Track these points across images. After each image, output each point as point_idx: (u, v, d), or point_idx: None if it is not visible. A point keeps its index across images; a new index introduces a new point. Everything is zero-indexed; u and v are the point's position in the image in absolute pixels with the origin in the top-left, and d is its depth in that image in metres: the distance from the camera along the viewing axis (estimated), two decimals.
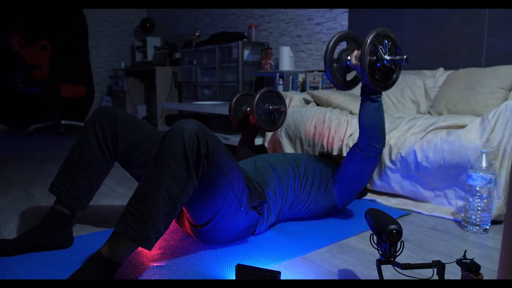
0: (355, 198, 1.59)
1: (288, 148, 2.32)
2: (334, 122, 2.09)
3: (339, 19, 3.10)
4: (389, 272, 1.08)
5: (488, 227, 1.46)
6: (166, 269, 1.13)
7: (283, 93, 2.57)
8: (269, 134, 2.51)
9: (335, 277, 1.11)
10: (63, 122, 4.06)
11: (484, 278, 0.90)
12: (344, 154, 1.97)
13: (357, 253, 1.27)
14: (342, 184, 1.48)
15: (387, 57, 1.29)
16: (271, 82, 3.05)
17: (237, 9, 4.10)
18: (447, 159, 1.62)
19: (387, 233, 0.89)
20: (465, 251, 0.95)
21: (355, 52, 1.33)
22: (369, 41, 1.25)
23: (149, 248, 0.98)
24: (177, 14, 5.09)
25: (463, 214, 1.51)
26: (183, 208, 1.19)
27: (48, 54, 4.27)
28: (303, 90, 2.93)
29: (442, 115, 1.99)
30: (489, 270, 1.15)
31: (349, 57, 1.35)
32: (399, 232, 0.90)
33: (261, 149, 2.61)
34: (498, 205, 1.52)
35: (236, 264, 0.96)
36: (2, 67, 4.51)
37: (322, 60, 3.28)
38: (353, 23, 2.97)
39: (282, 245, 1.31)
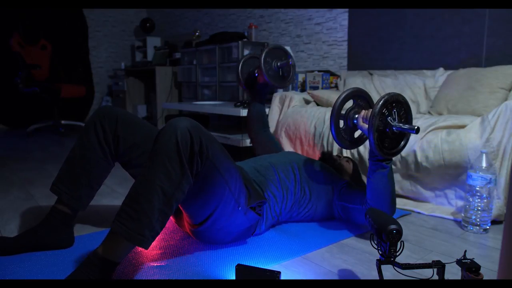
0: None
1: (288, 148, 2.32)
2: None
3: (339, 19, 3.10)
4: (389, 272, 1.09)
5: (488, 227, 1.46)
6: (166, 269, 1.13)
7: (283, 93, 2.58)
8: None
9: (335, 277, 1.11)
10: (63, 122, 4.06)
11: (484, 278, 0.90)
12: (344, 154, 1.97)
13: (357, 253, 1.27)
14: (341, 210, 1.48)
15: (396, 124, 1.21)
16: None
17: (237, 9, 4.10)
18: (447, 159, 1.62)
19: (387, 233, 0.90)
20: (465, 251, 0.95)
21: (363, 113, 1.27)
22: (377, 111, 1.17)
23: (146, 247, 0.98)
24: (177, 14, 5.09)
25: (463, 214, 1.51)
26: (181, 208, 1.19)
27: (48, 54, 4.27)
28: (303, 90, 2.93)
29: (442, 115, 1.99)
30: (489, 270, 1.15)
31: (356, 116, 1.30)
32: (399, 232, 0.90)
33: None
34: (498, 205, 1.52)
35: (236, 264, 0.96)
36: (2, 67, 4.52)
37: (322, 60, 3.28)
38: (353, 23, 2.97)
39: (282, 245, 1.31)
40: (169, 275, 1.09)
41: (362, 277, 1.11)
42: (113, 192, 1.97)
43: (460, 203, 1.64)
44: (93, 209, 1.67)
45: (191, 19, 4.83)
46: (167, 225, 1.49)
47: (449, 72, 2.31)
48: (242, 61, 1.79)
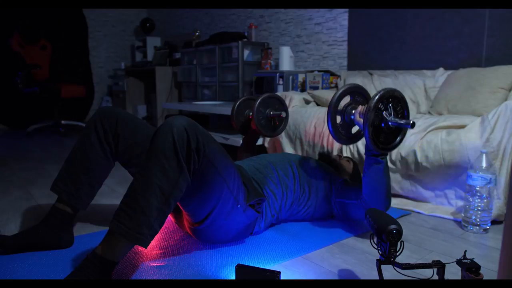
0: None
1: (288, 148, 2.32)
2: None
3: (339, 19, 3.10)
4: (389, 272, 1.08)
5: (488, 227, 1.46)
6: (166, 269, 1.13)
7: (283, 93, 2.58)
8: None
9: (335, 277, 1.11)
10: (63, 122, 4.06)
11: (484, 278, 0.90)
12: (344, 154, 1.97)
13: (357, 253, 1.27)
14: (339, 207, 1.49)
15: (392, 118, 1.22)
16: (271, 82, 3.05)
17: (237, 9, 4.10)
18: (447, 159, 1.62)
19: (387, 233, 0.90)
20: (465, 251, 0.95)
21: (359, 108, 1.28)
22: (372, 106, 1.18)
23: (145, 246, 0.98)
24: (177, 14, 5.09)
25: (463, 214, 1.51)
26: (180, 206, 1.19)
27: (48, 54, 4.26)
28: (303, 90, 2.93)
29: (442, 115, 1.99)
30: (489, 270, 1.15)
31: (353, 111, 1.31)
32: (399, 232, 0.90)
33: (261, 149, 2.61)
34: (498, 205, 1.52)
35: (236, 264, 0.96)
36: (2, 67, 4.52)
37: (322, 60, 3.28)
38: (353, 23, 2.97)
39: (282, 245, 1.31)
40: (169, 275, 1.09)
41: (362, 277, 1.11)
42: (113, 192, 1.97)
43: (460, 203, 1.64)
44: (93, 209, 1.66)
45: (191, 19, 4.83)
46: (166, 225, 1.49)
47: (449, 72, 2.31)
48: (236, 104, 1.82)
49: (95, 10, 5.20)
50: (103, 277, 0.97)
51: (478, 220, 1.45)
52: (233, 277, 1.06)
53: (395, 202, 1.77)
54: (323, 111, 2.20)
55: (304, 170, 1.49)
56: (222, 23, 4.34)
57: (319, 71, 2.97)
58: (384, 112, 1.22)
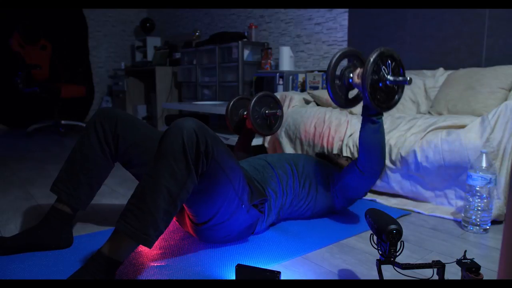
0: (353, 203, 1.60)
1: (288, 148, 2.32)
2: (334, 122, 2.09)
3: (339, 19, 3.10)
4: (389, 272, 1.08)
5: (488, 227, 1.46)
6: (166, 269, 1.13)
7: (283, 93, 2.58)
8: None
9: (335, 277, 1.11)
10: (63, 122, 4.05)
11: (484, 278, 0.90)
12: (344, 154, 1.97)
13: (357, 253, 1.27)
14: (340, 192, 1.51)
15: (389, 77, 1.26)
16: (271, 82, 3.05)
17: (237, 9, 4.10)
18: (447, 159, 1.62)
19: (387, 233, 0.90)
20: (465, 251, 0.95)
21: (358, 70, 1.31)
22: (372, 60, 1.22)
23: (150, 246, 0.98)
24: (177, 14, 5.09)
25: (463, 214, 1.51)
26: (184, 207, 1.20)
27: (48, 54, 4.26)
28: (303, 90, 2.93)
29: (442, 115, 1.99)
30: (489, 270, 1.15)
31: (351, 75, 1.33)
32: (399, 232, 0.90)
33: (261, 149, 2.61)
34: (498, 205, 1.52)
35: (236, 264, 0.96)
36: (2, 67, 4.52)
37: (322, 60, 3.28)
38: (353, 23, 2.97)
39: (282, 245, 1.31)
40: (169, 275, 1.09)
41: (362, 277, 1.11)
42: (113, 192, 1.97)
43: (460, 203, 1.64)
44: (93, 209, 1.67)
45: (191, 19, 4.83)
46: None
47: (449, 72, 2.31)
48: (231, 103, 1.82)
49: (95, 10, 5.20)
50: (108, 277, 0.97)
51: (478, 220, 1.44)
52: (233, 277, 1.06)
53: (395, 202, 1.77)
54: (323, 111, 2.20)
55: (301, 166, 1.50)
56: (222, 23, 4.34)
57: (319, 71, 2.98)
58: (383, 67, 1.25)
